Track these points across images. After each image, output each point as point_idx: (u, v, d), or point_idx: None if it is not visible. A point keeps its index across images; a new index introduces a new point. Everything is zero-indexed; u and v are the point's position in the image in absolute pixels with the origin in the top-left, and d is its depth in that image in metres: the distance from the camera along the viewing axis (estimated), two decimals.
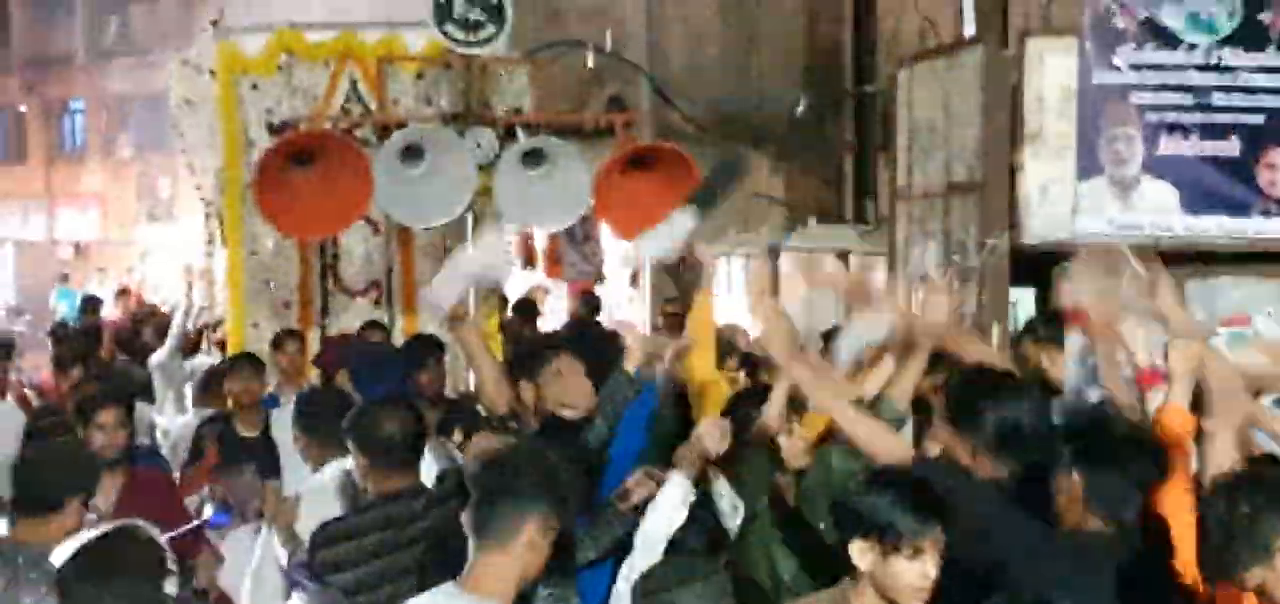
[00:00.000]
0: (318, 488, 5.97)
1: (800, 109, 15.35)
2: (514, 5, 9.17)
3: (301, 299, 10.27)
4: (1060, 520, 4.29)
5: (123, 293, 22.14)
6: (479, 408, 6.29)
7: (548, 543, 3.99)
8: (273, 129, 9.59)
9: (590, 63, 14.48)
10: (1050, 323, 5.81)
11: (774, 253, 13.60)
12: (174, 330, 11.04)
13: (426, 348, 7.94)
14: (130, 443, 6.61)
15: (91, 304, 17.37)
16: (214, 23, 10.44)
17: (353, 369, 7.55)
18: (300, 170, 8.59)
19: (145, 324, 15.06)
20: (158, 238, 34.68)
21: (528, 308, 13.51)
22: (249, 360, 8.80)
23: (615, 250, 15.58)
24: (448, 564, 4.34)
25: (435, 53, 9.67)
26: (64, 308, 28.77)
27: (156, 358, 11.00)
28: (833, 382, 5.19)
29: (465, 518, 4.05)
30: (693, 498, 4.96)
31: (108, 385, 7.83)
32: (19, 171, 39.17)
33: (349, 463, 5.71)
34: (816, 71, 15.85)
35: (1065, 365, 5.22)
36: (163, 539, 4.14)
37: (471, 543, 4.01)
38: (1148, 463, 4.28)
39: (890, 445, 4.75)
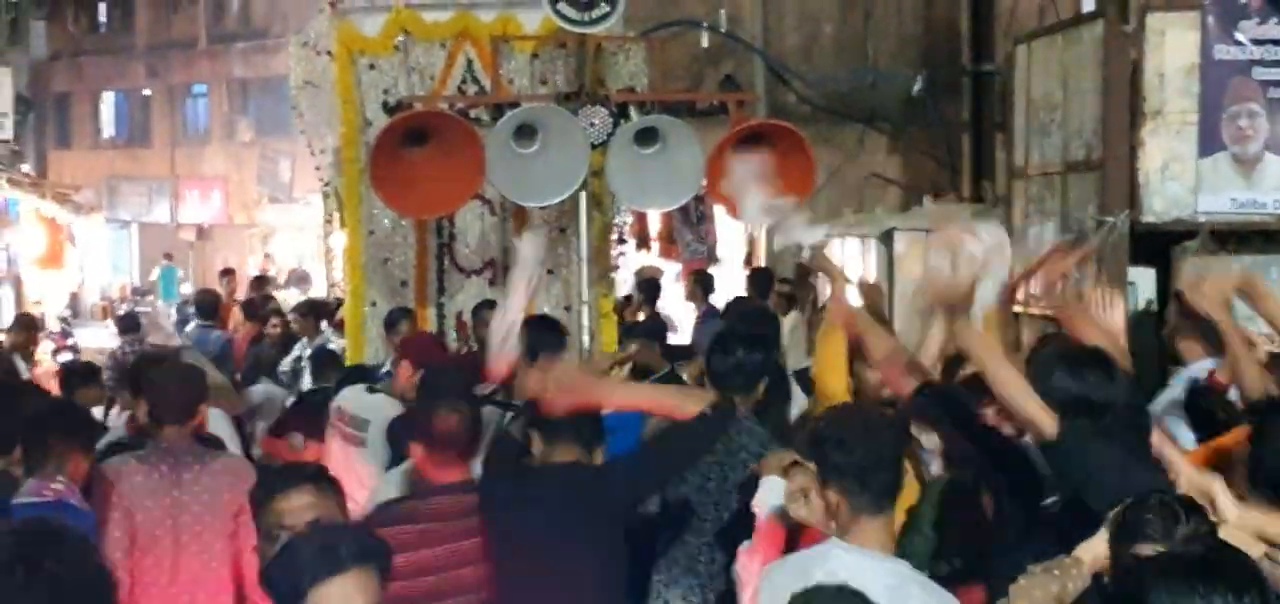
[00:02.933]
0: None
1: (916, 88, 15.22)
2: None
3: (418, 278, 10.37)
4: None
5: (227, 272, 22.57)
6: None
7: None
8: (388, 109, 9.68)
9: (705, 42, 14.46)
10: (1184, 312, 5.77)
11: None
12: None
13: (548, 332, 8.00)
14: None
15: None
16: (333, 3, 10.55)
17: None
18: (415, 150, 8.66)
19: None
20: (279, 219, 35.22)
21: (651, 288, 13.51)
22: None
23: (730, 230, 15.56)
24: None
25: (550, 32, 9.70)
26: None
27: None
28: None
29: (837, 484, 4.28)
30: None
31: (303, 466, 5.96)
32: (143, 154, 39.98)
33: None
34: (933, 50, 15.71)
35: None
36: None
37: (850, 505, 4.24)
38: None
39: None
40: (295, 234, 33.53)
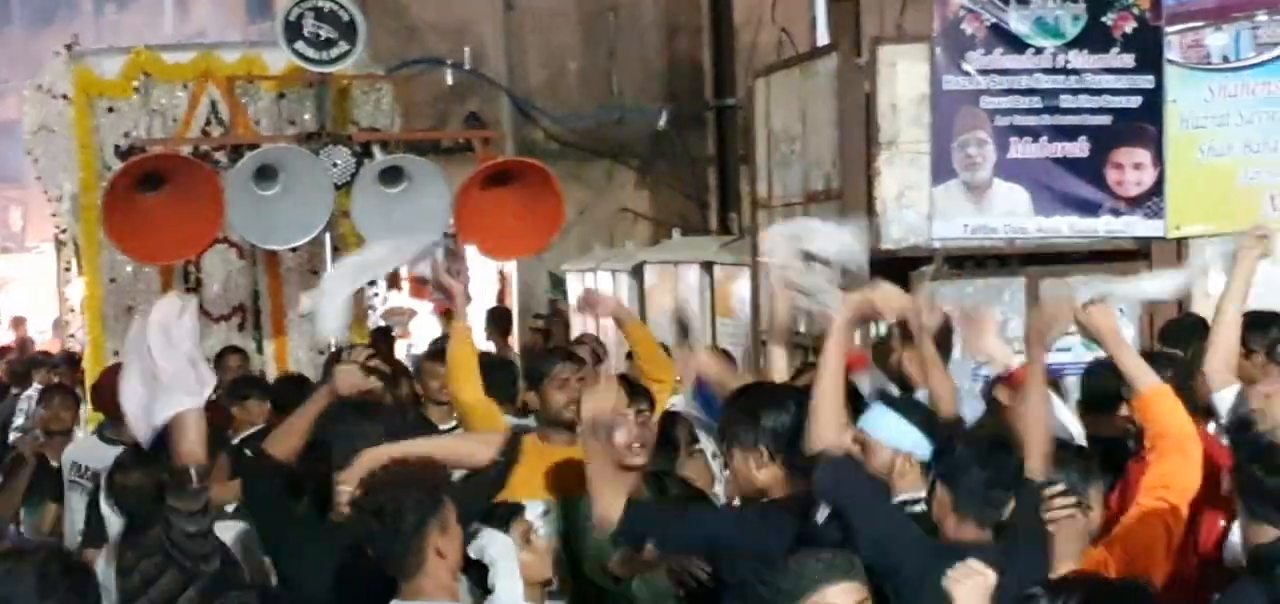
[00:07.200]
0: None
1: (662, 123, 15.43)
2: (369, 23, 9.13)
3: None
4: (941, 533, 4.37)
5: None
6: None
7: None
8: (122, 153, 9.48)
9: (449, 80, 14.44)
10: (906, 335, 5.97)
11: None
12: None
13: (297, 389, 7.92)
14: None
15: None
16: (68, 46, 10.28)
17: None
18: (151, 194, 8.49)
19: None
20: (10, 270, 34.00)
21: (384, 335, 13.36)
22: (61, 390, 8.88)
23: (482, 269, 15.54)
24: None
25: (295, 71, 9.61)
26: None
27: None
28: None
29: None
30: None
31: None
32: None
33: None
34: (676, 85, 15.95)
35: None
36: None
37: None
38: (1010, 463, 4.42)
39: None
40: (28, 285, 32.36)
